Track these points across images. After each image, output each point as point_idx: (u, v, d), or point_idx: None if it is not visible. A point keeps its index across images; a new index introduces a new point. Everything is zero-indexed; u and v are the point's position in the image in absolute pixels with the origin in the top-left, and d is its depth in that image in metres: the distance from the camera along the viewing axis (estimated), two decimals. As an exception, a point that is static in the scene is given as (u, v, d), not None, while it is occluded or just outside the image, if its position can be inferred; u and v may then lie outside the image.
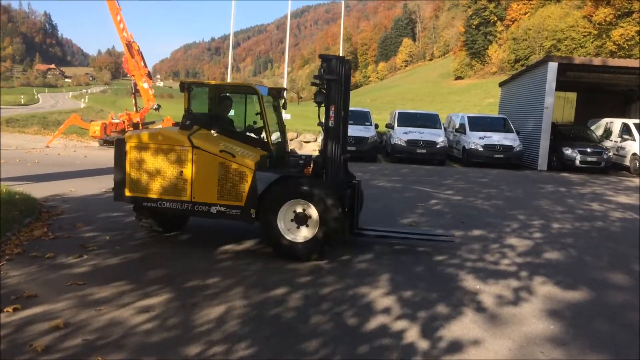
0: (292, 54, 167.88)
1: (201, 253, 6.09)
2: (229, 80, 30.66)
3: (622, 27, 71.45)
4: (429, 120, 19.08)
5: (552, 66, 17.53)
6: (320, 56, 6.22)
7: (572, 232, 8.02)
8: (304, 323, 4.22)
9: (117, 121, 20.22)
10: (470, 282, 5.39)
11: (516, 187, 13.06)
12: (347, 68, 6.16)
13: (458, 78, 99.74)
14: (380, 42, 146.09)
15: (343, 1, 36.59)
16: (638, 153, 17.91)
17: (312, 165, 6.25)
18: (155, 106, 19.88)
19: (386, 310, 4.56)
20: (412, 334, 4.07)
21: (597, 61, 19.36)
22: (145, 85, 19.47)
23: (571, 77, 19.86)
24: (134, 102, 20.15)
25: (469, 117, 19.29)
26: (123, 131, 19.87)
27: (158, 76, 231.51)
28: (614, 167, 18.56)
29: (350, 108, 7.62)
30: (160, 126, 21.08)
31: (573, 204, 10.75)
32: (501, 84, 24.37)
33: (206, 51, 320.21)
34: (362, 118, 18.75)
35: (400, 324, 4.26)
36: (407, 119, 19.00)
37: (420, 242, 6.81)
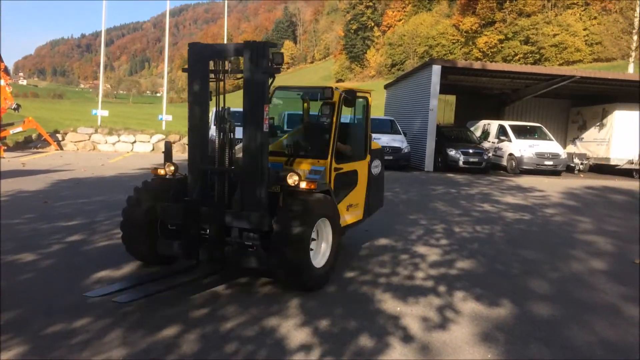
0: (171, 53, 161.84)
1: (66, 284, 4.95)
2: (101, 79, 28.30)
3: (486, 35, 77.15)
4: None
5: (436, 69, 17.87)
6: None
7: (475, 237, 7.81)
8: (204, 377, 3.35)
9: (-33, 124, 17.60)
10: (389, 303, 4.81)
11: (409, 189, 12.95)
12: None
13: (339, 81, 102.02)
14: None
15: (226, 1, 35.48)
16: (514, 153, 18.83)
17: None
18: (13, 106, 17.57)
19: (303, 348, 3.81)
20: (339, 380, 3.37)
21: (477, 65, 20.15)
22: (2, 82, 17.10)
23: (452, 80, 20.46)
24: (-13, 101, 17.61)
25: (357, 119, 19.15)
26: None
27: (21, 74, 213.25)
28: (493, 167, 19.37)
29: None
30: (20, 128, 18.76)
31: (467, 206, 10.73)
32: (386, 86, 24.72)
33: (76, 48, 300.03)
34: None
35: (322, 367, 3.54)
36: (296, 122, 18.38)
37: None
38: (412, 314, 4.57)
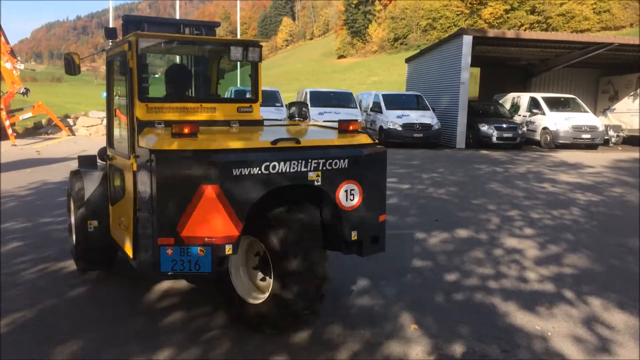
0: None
1: (129, 302, 4.13)
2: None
3: (491, 6, 75.35)
4: (343, 99, 17.72)
5: (467, 40, 16.88)
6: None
7: (561, 225, 6.98)
8: None
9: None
10: (521, 318, 3.99)
11: (453, 169, 12.10)
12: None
13: (341, 57, 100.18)
14: (259, 21, 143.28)
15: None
16: (549, 127, 17.90)
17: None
18: (22, 90, 16.63)
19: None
20: None
21: (510, 34, 19.06)
22: (8, 65, 16.15)
23: (478, 51, 19.40)
24: (-6, 86, 16.68)
25: (383, 95, 18.16)
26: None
27: (18, 58, 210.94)
28: (525, 141, 18.45)
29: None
30: (29, 114, 17.84)
31: (526, 187, 9.89)
32: (408, 60, 23.62)
33: (72, 30, 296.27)
34: (272, 98, 16.97)
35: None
36: (319, 99, 17.46)
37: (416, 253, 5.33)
38: (558, 332, 3.76)
